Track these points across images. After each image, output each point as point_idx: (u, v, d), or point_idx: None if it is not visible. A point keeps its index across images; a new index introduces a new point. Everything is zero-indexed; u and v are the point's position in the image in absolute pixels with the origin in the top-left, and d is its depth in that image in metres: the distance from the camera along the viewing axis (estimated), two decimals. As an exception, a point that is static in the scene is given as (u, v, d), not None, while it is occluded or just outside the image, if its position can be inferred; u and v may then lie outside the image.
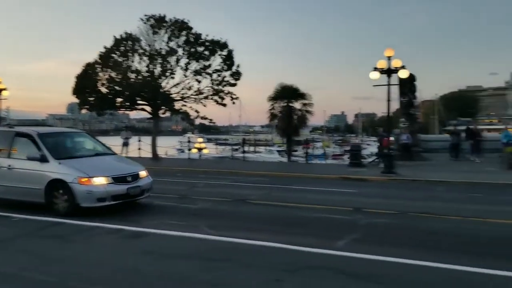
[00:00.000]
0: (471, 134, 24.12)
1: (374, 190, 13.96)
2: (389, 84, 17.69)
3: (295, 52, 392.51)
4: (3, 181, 9.64)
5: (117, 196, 9.23)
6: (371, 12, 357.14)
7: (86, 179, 8.99)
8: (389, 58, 17.46)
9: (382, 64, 17.52)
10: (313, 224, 8.62)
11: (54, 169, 9.18)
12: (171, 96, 26.59)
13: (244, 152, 29.00)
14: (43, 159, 9.29)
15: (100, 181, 9.09)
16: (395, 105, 27.14)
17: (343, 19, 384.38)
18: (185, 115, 27.81)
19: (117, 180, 9.32)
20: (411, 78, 24.29)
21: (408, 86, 24.68)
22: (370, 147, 44.31)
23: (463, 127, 27.14)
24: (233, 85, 26.89)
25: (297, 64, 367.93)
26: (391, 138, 21.16)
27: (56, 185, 9.08)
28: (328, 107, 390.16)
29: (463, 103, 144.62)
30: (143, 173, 10.12)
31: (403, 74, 17.85)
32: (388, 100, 17.95)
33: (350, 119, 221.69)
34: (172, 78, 26.23)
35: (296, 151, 34.85)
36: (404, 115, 25.15)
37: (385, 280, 5.19)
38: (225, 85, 26.76)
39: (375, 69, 17.64)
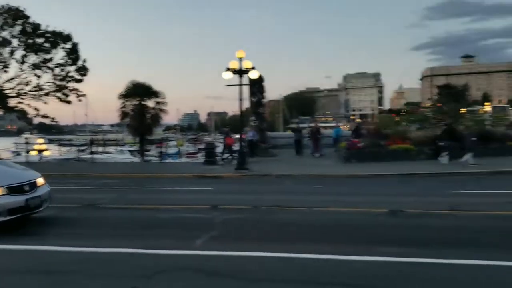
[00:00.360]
0: (313, 131, 26.51)
1: (229, 186, 14.35)
2: (240, 84, 18.39)
3: (149, 49, 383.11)
4: None
5: (14, 209, 7.64)
6: (223, 13, 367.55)
7: None
8: (240, 59, 18.13)
9: (234, 64, 18.11)
10: (170, 225, 8.46)
11: None
12: (4, 92, 23.59)
13: (92, 153, 27.23)
14: None
15: None
16: (246, 104, 28.44)
17: (195, 18, 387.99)
18: (22, 114, 24.99)
19: (13, 190, 7.73)
20: (260, 78, 25.66)
21: (257, 86, 26.02)
22: (222, 145, 45.51)
23: (306, 125, 29.76)
24: (79, 81, 25.06)
25: (151, 62, 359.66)
26: (245, 136, 22.18)
27: None
28: (181, 105, 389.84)
29: (303, 103, 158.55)
30: (40, 181, 8.51)
31: (254, 74, 18.73)
32: (240, 100, 18.68)
33: (203, 118, 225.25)
34: (5, 72, 23.32)
35: (149, 150, 33.99)
36: (254, 114, 26.44)
37: (245, 275, 5.31)
38: (69, 81, 24.77)
39: (228, 69, 18.16)
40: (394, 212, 9.17)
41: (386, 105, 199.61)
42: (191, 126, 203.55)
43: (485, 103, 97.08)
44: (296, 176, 16.35)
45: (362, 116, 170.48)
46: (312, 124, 28.83)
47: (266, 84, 26.73)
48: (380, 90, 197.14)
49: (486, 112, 57.69)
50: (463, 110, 39.07)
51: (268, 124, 30.88)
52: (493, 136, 23.17)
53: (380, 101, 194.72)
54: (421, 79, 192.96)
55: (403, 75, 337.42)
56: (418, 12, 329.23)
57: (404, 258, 5.80)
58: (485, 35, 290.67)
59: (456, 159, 19.04)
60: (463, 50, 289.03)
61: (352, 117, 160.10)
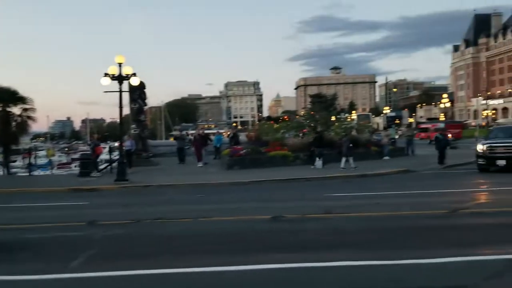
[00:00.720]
0: (195, 138, 26.44)
1: (108, 200, 13.58)
2: (120, 91, 17.57)
3: (14, 50, 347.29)
4: None
5: None
6: (101, 16, 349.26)
7: None
8: (120, 64, 17.32)
9: (113, 70, 17.25)
10: (42, 247, 7.68)
11: None
12: None
13: None
14: None
15: None
16: (126, 111, 27.31)
17: (67, 15, 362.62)
18: None
19: None
20: (142, 85, 24.86)
21: (138, 93, 25.16)
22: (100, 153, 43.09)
23: (190, 132, 29.60)
24: None
25: (17, 64, 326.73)
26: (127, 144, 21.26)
27: None
28: (52, 112, 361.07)
29: (185, 110, 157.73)
30: None
31: (134, 81, 18.06)
32: (120, 107, 17.85)
33: (78, 125, 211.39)
34: None
35: (15, 161, 30.75)
36: (135, 122, 25.51)
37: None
38: None
39: (106, 75, 17.23)
40: (275, 218, 9.49)
41: (265, 113, 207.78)
42: (64, 134, 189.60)
43: (352, 111, 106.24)
44: (179, 185, 16.11)
45: (243, 123, 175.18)
46: (194, 131, 28.64)
47: (148, 90, 26.01)
48: (260, 98, 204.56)
49: (352, 119, 63.09)
50: (333, 118, 42.26)
51: (149, 132, 29.98)
52: (359, 142, 25.46)
53: (259, 108, 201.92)
54: (296, 88, 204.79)
55: (280, 84, 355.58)
56: (294, 25, 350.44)
57: (283, 264, 6.00)
58: (351, 49, 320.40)
59: (329, 164, 20.54)
60: (332, 62, 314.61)
61: (234, 124, 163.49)
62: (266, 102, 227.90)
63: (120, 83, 17.34)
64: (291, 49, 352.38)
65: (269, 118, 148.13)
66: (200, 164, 23.44)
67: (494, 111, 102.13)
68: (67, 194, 14.95)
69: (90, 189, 15.78)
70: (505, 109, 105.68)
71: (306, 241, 7.54)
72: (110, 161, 22.21)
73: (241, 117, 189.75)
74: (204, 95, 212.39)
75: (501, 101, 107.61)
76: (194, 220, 9.59)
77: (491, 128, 45.42)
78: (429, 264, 5.86)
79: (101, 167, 25.96)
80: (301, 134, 25.69)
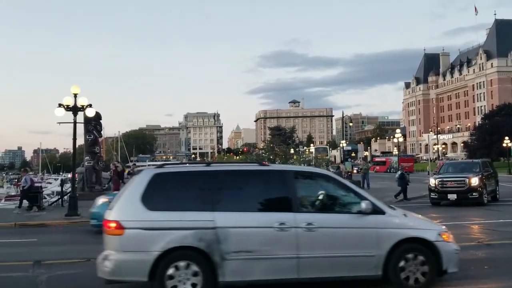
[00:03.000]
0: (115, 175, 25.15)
1: (57, 236, 12.92)
2: (75, 122, 17.04)
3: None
4: (299, 250, 5.99)
5: None
6: (58, 44, 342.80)
7: (446, 233, 6.51)
8: (75, 95, 16.86)
9: (68, 101, 16.74)
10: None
11: (400, 224, 6.38)
12: None
13: None
14: (376, 210, 6.27)
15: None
16: (80, 142, 26.48)
17: (23, 47, 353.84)
18: None
19: None
20: (97, 116, 24.25)
21: (93, 124, 24.51)
22: (52, 186, 41.38)
23: (147, 164, 28.88)
24: None
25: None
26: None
27: (406, 248, 6.16)
28: (2, 141, 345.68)
29: (143, 141, 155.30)
30: None
31: (90, 112, 17.61)
32: (74, 138, 17.29)
33: (29, 155, 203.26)
34: None
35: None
36: (89, 153, 24.72)
37: None
38: None
39: (60, 105, 16.70)
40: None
41: (225, 144, 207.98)
42: (14, 165, 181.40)
43: (310, 144, 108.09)
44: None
45: (202, 154, 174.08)
46: (113, 166, 26.67)
47: (105, 120, 25.44)
48: (220, 130, 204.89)
49: (310, 152, 64.12)
50: (292, 151, 42.79)
51: (104, 164, 29.10)
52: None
53: (219, 140, 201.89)
54: (255, 121, 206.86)
55: (240, 116, 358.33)
56: (254, 59, 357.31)
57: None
58: (309, 83, 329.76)
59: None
60: (291, 95, 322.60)
61: (193, 156, 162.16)
62: (226, 134, 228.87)
63: (75, 114, 16.84)
64: (251, 82, 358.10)
65: (229, 150, 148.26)
66: None
67: (444, 146, 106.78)
68: (12, 230, 14.10)
69: (38, 224, 14.93)
70: (454, 144, 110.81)
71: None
72: (62, 194, 21.26)
73: (200, 149, 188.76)
74: (163, 125, 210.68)
75: (450, 136, 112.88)
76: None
77: (441, 162, 47.34)
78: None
79: (52, 200, 24.88)
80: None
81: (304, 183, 6.69)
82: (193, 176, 6.47)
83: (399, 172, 23.06)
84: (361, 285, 6.35)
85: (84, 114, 17.84)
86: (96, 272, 6.20)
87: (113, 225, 5.87)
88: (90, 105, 17.20)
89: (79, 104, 16.87)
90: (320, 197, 6.56)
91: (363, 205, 6.19)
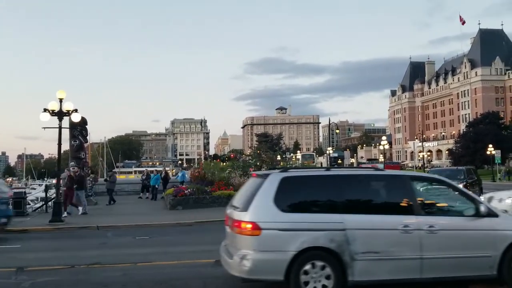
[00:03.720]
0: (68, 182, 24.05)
1: (40, 243, 12.72)
2: (60, 127, 16.88)
3: None
4: (422, 251, 6.28)
5: None
6: (44, 49, 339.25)
7: None
8: (61, 100, 16.71)
9: (54, 106, 16.59)
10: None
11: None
12: None
13: None
14: (490, 213, 6.63)
15: None
16: (65, 147, 26.25)
17: (7, 52, 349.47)
18: None
19: None
20: (83, 121, 24.08)
21: (79, 129, 24.32)
22: (36, 191, 40.84)
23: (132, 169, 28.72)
24: None
25: None
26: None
27: None
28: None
29: (129, 147, 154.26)
30: None
31: (76, 118, 17.47)
32: (59, 143, 17.14)
33: (13, 160, 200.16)
34: None
35: None
36: (74, 159, 24.46)
37: None
38: None
39: (45, 110, 16.55)
40: (219, 262, 9.24)
41: (212, 151, 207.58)
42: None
43: (297, 151, 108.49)
44: (119, 227, 15.44)
45: (189, 160, 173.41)
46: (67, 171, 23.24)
47: (91, 126, 25.34)
48: (207, 136, 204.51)
49: (297, 159, 64.34)
50: (278, 157, 42.86)
51: (89, 170, 28.88)
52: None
53: (206, 146, 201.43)
54: (242, 127, 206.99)
55: (227, 122, 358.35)
56: (241, 66, 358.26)
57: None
58: (296, 90, 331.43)
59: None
60: (278, 102, 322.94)
61: (179, 162, 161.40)
62: (213, 140, 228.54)
63: (60, 119, 16.67)
64: (238, 89, 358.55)
65: (215, 156, 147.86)
66: (64, 214, 17.13)
67: (429, 153, 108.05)
68: (-5, 236, 13.87)
69: (21, 230, 14.71)
70: (439, 151, 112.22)
71: (253, 286, 7.39)
72: (46, 200, 20.99)
73: (187, 155, 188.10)
74: (149, 131, 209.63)
75: (435, 143, 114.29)
76: (133, 265, 9.16)
77: (427, 169, 47.83)
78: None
79: (36, 205, 24.57)
80: (250, 173, 25.68)
81: (421, 187, 7.03)
82: (319, 180, 6.81)
83: None
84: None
85: (70, 119, 17.69)
86: (230, 271, 6.43)
87: (249, 226, 6.10)
88: (75, 110, 17.06)
89: (64, 109, 16.71)
90: (438, 200, 6.91)
91: (482, 208, 6.55)
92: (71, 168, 19.95)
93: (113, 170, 28.49)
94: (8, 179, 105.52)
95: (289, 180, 6.53)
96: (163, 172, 30.25)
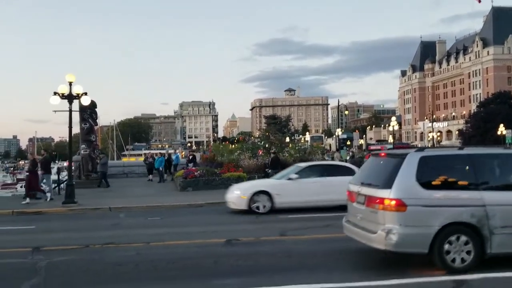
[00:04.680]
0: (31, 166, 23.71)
1: (54, 224, 12.98)
2: (70, 110, 17.02)
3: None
4: None
5: None
6: (54, 32, 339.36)
7: None
8: (70, 83, 16.81)
9: (63, 89, 16.69)
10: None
11: None
12: None
13: None
14: None
15: None
16: (76, 130, 26.44)
17: (18, 36, 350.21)
18: None
19: None
20: (92, 104, 24.20)
21: (89, 112, 24.47)
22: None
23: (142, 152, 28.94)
24: None
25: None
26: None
27: None
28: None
29: (138, 129, 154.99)
30: None
31: (85, 100, 17.56)
32: (70, 127, 17.30)
33: (24, 144, 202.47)
34: None
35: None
36: (85, 142, 24.72)
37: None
38: None
39: (55, 93, 16.67)
40: (230, 242, 9.42)
41: (221, 133, 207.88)
42: (9, 153, 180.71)
43: (305, 133, 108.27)
44: (131, 208, 15.67)
45: (198, 143, 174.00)
46: (31, 156, 22.74)
47: (100, 108, 25.47)
48: (215, 119, 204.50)
49: (306, 141, 64.29)
50: (287, 139, 42.80)
51: (99, 152, 29.10)
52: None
53: (214, 129, 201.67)
54: (251, 109, 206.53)
55: (236, 104, 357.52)
56: (250, 48, 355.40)
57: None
58: (305, 71, 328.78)
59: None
60: (287, 83, 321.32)
61: (188, 145, 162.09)
62: (222, 123, 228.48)
63: (70, 102, 16.79)
64: (246, 70, 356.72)
65: (224, 138, 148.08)
66: (26, 201, 16.81)
67: (439, 134, 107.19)
68: (10, 218, 14.15)
69: (35, 212, 15.00)
70: (449, 132, 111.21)
71: (261, 265, 7.54)
72: (58, 182, 21.29)
73: (195, 137, 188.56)
74: (158, 114, 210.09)
75: (445, 124, 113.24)
76: (146, 244, 9.35)
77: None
78: (382, 286, 6.01)
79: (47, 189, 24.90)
80: (259, 155, 25.68)
81: None
82: (455, 159, 7.22)
83: None
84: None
85: (80, 102, 17.80)
86: (375, 246, 6.74)
87: (393, 202, 6.50)
88: (85, 93, 17.16)
89: (74, 92, 16.82)
90: None
91: None
92: (42, 152, 19.81)
93: (103, 152, 28.02)
94: (20, 162, 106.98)
95: (428, 159, 6.91)
96: (166, 155, 30.25)
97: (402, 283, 6.15)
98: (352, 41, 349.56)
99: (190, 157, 28.85)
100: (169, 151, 37.37)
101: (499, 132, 54.27)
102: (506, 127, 53.66)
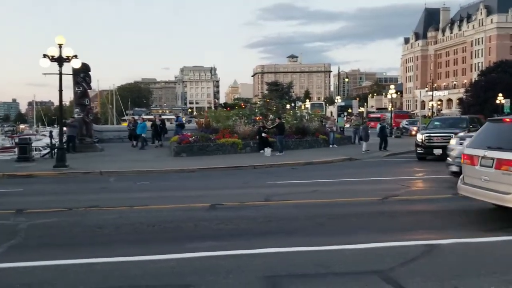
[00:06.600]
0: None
1: (43, 186, 13.05)
2: (60, 73, 16.83)
3: None
4: None
5: None
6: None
7: None
8: (60, 46, 16.55)
9: (53, 51, 16.46)
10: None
11: None
12: None
13: None
14: None
15: None
16: (70, 94, 26.28)
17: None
18: None
19: None
20: (86, 68, 23.97)
21: (82, 75, 24.23)
22: (46, 138, 41.44)
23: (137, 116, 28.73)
24: None
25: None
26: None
27: None
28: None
29: (138, 94, 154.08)
30: None
31: (76, 63, 17.33)
32: (60, 90, 17.14)
33: (24, 108, 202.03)
34: None
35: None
36: (78, 106, 24.61)
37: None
38: None
39: (45, 56, 16.45)
40: (214, 206, 9.48)
41: (222, 99, 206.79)
42: (9, 117, 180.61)
43: (307, 100, 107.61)
44: (122, 172, 15.73)
45: (199, 109, 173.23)
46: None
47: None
48: (217, 84, 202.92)
49: (306, 108, 63.93)
50: (288, 106, 42.53)
51: (94, 116, 29.01)
52: (308, 130, 25.84)
53: (216, 95, 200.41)
54: (253, 75, 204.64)
55: (238, 70, 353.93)
56: (254, 12, 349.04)
57: (216, 251, 6.03)
58: (309, 38, 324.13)
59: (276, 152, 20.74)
60: (291, 50, 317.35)
61: (189, 110, 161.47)
62: (223, 89, 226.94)
63: (60, 65, 16.58)
64: (250, 35, 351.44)
65: (225, 104, 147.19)
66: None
67: (439, 102, 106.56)
68: (1, 181, 14.24)
69: (26, 175, 15.07)
70: (449, 101, 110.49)
71: (241, 229, 7.60)
72: (51, 146, 21.32)
73: (197, 103, 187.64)
74: (159, 79, 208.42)
75: (446, 92, 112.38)
76: (129, 208, 9.39)
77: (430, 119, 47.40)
78: (353, 250, 6.06)
79: (44, 152, 24.99)
80: (256, 121, 25.57)
81: None
82: None
83: (379, 125, 25.19)
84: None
85: (71, 65, 17.57)
86: (503, 204, 7.22)
87: None
88: (75, 56, 16.90)
89: (64, 55, 16.58)
90: None
91: None
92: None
93: (73, 116, 26.69)
94: (20, 126, 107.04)
95: None
96: (158, 120, 29.04)
97: (380, 246, 6.18)
98: (358, 7, 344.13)
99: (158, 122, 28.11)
100: (162, 117, 35.93)
101: (497, 101, 53.88)
102: (506, 97, 53.24)
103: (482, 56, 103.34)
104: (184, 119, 70.92)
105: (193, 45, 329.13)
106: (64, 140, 18.03)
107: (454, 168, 10.98)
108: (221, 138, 22.29)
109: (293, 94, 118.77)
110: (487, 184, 7.48)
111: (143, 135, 25.78)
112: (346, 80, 69.75)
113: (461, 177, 8.37)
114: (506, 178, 7.09)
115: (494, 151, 7.44)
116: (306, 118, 28.98)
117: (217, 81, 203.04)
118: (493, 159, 7.38)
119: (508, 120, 8.14)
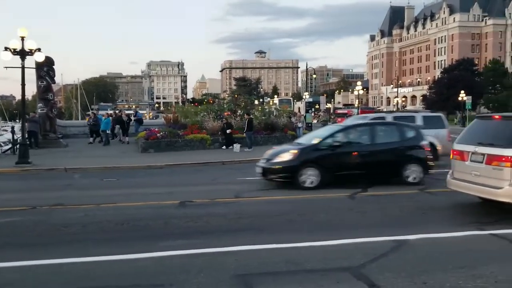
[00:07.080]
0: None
1: (5, 184, 12.62)
2: (23, 67, 16.25)
3: None
4: None
5: None
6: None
7: None
8: (22, 38, 15.94)
9: (15, 44, 15.83)
10: None
11: None
12: None
13: None
14: None
15: None
16: (33, 89, 25.39)
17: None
18: None
19: None
20: (50, 61, 23.22)
21: (46, 69, 23.44)
22: (7, 133, 39.95)
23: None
24: None
25: None
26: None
27: None
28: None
29: (104, 89, 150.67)
30: None
31: (39, 57, 16.78)
32: (23, 84, 16.55)
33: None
34: None
35: None
36: (42, 100, 23.83)
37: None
38: None
39: (7, 49, 15.83)
40: (183, 203, 9.37)
41: (190, 94, 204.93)
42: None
43: (275, 96, 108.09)
44: (88, 169, 15.35)
45: (166, 104, 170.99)
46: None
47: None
48: (184, 79, 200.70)
49: (274, 104, 64.19)
50: (256, 102, 42.56)
51: (58, 111, 28.15)
52: (277, 126, 25.94)
53: (183, 90, 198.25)
54: (221, 71, 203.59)
55: (206, 65, 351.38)
56: (222, 7, 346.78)
57: (187, 250, 5.97)
58: (277, 34, 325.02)
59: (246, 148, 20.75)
60: (259, 45, 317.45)
61: (156, 106, 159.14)
62: (191, 84, 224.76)
63: (23, 58, 15.99)
64: (218, 31, 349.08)
65: (193, 100, 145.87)
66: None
67: (404, 99, 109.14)
68: (-41, 178, 13.65)
69: (-14, 172, 14.52)
70: (414, 97, 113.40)
71: (212, 226, 7.54)
72: (13, 142, 20.57)
73: (164, 98, 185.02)
74: (126, 74, 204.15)
75: (410, 89, 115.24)
76: (96, 206, 9.17)
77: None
78: (324, 246, 6.12)
79: (5, 148, 24.10)
80: (224, 117, 25.43)
81: None
82: None
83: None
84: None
85: (34, 58, 16.98)
86: (500, 199, 7.39)
87: None
88: (39, 49, 16.35)
89: (26, 48, 15.99)
90: None
91: None
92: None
93: (35, 110, 25.78)
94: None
95: None
96: (124, 116, 28.07)
97: (346, 242, 6.26)
98: (325, 4, 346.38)
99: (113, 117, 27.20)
100: (126, 112, 34.64)
101: (460, 98, 55.67)
102: (467, 94, 55.05)
103: (445, 54, 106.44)
104: (151, 114, 69.77)
105: (161, 40, 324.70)
106: (26, 135, 17.39)
107: None
108: (190, 134, 22.09)
109: (261, 89, 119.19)
110: (477, 179, 7.72)
111: (107, 131, 25.20)
112: (314, 76, 70.59)
113: (450, 172, 8.60)
114: (497, 173, 7.34)
115: (485, 147, 7.65)
116: (275, 114, 29.09)
117: (185, 76, 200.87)
118: (483, 154, 7.60)
119: (497, 117, 8.38)
